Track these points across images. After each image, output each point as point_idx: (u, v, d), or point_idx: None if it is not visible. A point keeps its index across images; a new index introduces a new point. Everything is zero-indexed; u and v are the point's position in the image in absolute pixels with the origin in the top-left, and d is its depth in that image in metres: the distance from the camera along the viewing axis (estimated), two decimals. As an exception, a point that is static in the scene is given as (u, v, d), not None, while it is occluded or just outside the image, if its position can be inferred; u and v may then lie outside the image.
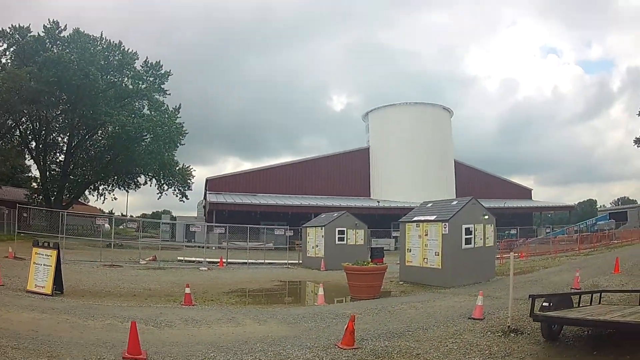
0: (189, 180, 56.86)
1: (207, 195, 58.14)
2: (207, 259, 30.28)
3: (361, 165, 66.05)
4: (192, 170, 57.31)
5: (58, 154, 54.48)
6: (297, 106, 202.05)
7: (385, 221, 52.32)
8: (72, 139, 52.07)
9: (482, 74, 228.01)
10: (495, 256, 20.70)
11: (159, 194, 56.65)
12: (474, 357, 8.48)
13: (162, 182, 55.77)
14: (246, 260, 31.36)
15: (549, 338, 9.12)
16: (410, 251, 20.46)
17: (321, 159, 66.23)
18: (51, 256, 14.44)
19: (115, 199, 60.26)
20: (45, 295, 14.02)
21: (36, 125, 51.28)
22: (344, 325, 9.78)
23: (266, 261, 32.13)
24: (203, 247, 32.88)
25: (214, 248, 37.32)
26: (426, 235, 19.65)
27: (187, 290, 14.68)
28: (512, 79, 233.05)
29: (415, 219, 20.65)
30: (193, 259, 30.96)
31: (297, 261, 32.70)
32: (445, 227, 18.71)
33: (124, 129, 46.78)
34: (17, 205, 32.03)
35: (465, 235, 18.96)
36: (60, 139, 53.92)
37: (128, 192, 59.68)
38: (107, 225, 57.20)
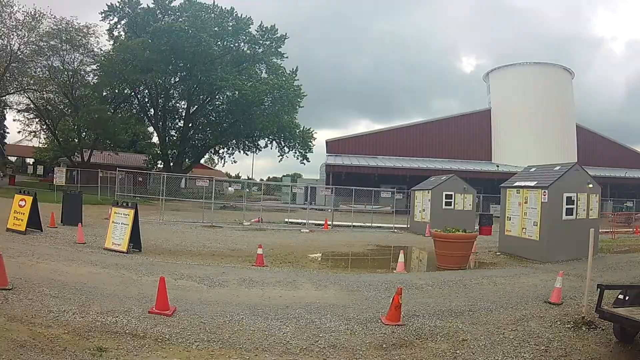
0: (309, 143, 57.47)
1: (327, 157, 57.82)
2: (314, 222, 29.91)
3: (482, 127, 62.61)
4: (313, 132, 57.89)
5: (177, 120, 56.65)
6: (427, 67, 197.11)
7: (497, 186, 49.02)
8: (190, 105, 53.94)
9: (608, 35, 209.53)
10: (599, 230, 18.38)
11: (280, 157, 58.07)
12: (526, 352, 7.33)
13: (283, 144, 56.75)
14: (351, 224, 30.55)
15: (621, 339, 7.70)
16: (509, 220, 18.85)
17: (441, 121, 63.64)
18: (128, 215, 14.64)
19: (234, 162, 62.34)
20: (121, 252, 14.23)
21: (154, 93, 53.15)
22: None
23: (373, 225, 31.16)
24: (306, 209, 32.36)
25: (329, 210, 36.70)
26: (526, 202, 17.95)
27: (260, 251, 14.38)
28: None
29: (516, 184, 18.93)
30: (299, 220, 30.66)
31: (405, 225, 31.51)
32: (544, 195, 16.92)
33: (242, 93, 47.43)
34: (134, 170, 33.32)
35: (567, 204, 17.04)
36: (179, 105, 56.20)
37: (247, 155, 61.19)
38: (230, 189, 59.46)
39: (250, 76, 50.31)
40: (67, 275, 10.48)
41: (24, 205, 16.23)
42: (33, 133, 52.62)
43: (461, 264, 15.70)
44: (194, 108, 54.49)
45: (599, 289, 7.57)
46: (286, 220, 31.67)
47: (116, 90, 49.10)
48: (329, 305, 9.61)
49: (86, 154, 52.01)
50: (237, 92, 48.71)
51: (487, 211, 39.84)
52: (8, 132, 63.80)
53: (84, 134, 50.98)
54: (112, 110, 50.31)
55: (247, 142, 58.81)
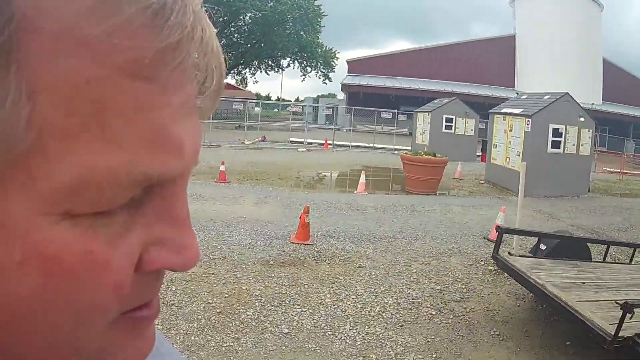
0: (332, 63, 57.40)
1: (345, 77, 56.14)
2: (318, 141, 29.38)
3: (506, 54, 59.29)
4: (335, 52, 57.75)
5: None
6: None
7: None
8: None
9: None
10: (590, 168, 16.98)
11: (302, 77, 58.65)
12: (418, 289, 6.56)
13: (305, 64, 56.67)
14: (349, 144, 29.92)
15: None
16: (495, 147, 17.62)
17: (465, 44, 60.43)
18: None
19: (256, 82, 61.81)
20: None
21: None
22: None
23: (376, 145, 30.29)
24: (304, 129, 31.62)
25: (344, 130, 35.90)
26: (510, 130, 16.63)
27: (222, 168, 14.20)
28: None
29: (503, 110, 17.55)
30: (302, 140, 29.77)
31: (408, 147, 30.29)
32: (528, 124, 15.57)
33: (263, 14, 47.50)
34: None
35: (553, 136, 15.66)
36: None
37: (268, 75, 61.09)
38: (257, 109, 58.89)
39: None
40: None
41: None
42: None
43: (429, 189, 14.82)
44: (217, 30, 53.50)
45: (497, 232, 6.22)
46: (290, 139, 30.85)
47: None
48: (254, 219, 9.32)
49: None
50: (258, 13, 48.50)
51: (483, 136, 38.38)
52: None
53: None
54: None
55: (270, 62, 58.57)
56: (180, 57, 0.32)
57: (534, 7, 59.64)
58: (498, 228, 6.41)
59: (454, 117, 26.26)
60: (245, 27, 54.19)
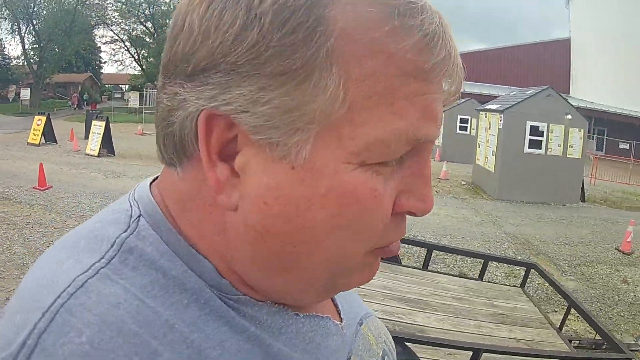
0: None
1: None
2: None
3: (561, 58, 55.12)
4: None
5: None
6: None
7: None
8: None
9: None
10: (582, 173, 14.75)
11: None
12: None
13: None
14: None
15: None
16: (479, 147, 15.79)
17: (518, 48, 56.60)
18: (101, 126, 16.23)
19: None
20: (93, 156, 15.92)
21: None
22: None
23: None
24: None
25: None
26: (489, 128, 14.73)
27: None
28: None
29: (486, 107, 15.65)
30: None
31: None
32: (500, 120, 13.66)
33: None
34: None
35: (531, 135, 13.74)
36: None
37: None
38: None
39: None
40: (25, 168, 12.31)
41: (40, 124, 18.07)
42: (118, 62, 54.47)
43: None
44: None
45: None
46: None
47: None
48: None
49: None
50: None
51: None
52: (104, 62, 64.40)
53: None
54: None
55: None
56: (445, 69, 0.47)
57: (590, 8, 54.82)
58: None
59: (469, 117, 24.11)
60: None
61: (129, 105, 37.81)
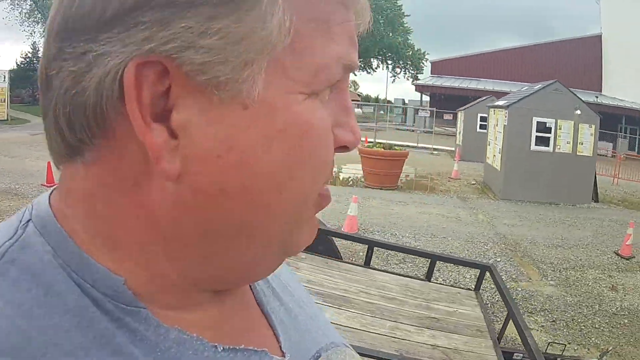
0: (421, 64, 56.55)
1: (429, 78, 53.31)
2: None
3: (592, 55, 52.71)
4: (425, 53, 56.79)
5: None
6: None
7: (607, 121, 42.45)
8: None
9: None
10: (593, 171, 13.87)
11: (392, 77, 58.19)
12: None
13: (394, 65, 56.68)
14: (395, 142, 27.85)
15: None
16: (489, 145, 15.23)
17: (547, 45, 54.67)
18: None
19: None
20: None
21: None
22: None
23: (419, 145, 27.87)
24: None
25: (419, 132, 33.86)
26: (497, 125, 14.16)
27: None
28: None
29: (495, 104, 15.07)
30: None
31: (452, 148, 27.76)
32: (505, 116, 13.05)
33: None
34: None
35: (538, 131, 13.09)
36: None
37: (355, 74, 60.74)
38: (358, 110, 58.30)
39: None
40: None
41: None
42: None
43: (387, 183, 13.41)
44: None
45: None
46: None
47: None
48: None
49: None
50: None
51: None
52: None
53: None
54: None
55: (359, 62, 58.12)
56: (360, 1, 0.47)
57: (621, 3, 52.59)
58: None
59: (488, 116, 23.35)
60: None
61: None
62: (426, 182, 15.05)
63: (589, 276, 7.55)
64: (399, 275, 5.35)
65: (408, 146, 26.68)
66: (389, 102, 62.27)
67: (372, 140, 27.30)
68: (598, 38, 53.70)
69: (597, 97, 45.77)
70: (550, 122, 13.07)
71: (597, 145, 13.68)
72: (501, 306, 5.79)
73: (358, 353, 2.31)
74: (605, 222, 11.57)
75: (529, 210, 12.11)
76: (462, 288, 5.35)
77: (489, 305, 5.89)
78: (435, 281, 5.53)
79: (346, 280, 4.60)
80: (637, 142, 40.43)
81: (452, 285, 5.63)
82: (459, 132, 25.49)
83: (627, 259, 8.63)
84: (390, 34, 52.03)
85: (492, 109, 14.87)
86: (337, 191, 11.63)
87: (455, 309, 4.43)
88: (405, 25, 54.12)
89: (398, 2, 51.59)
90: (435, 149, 27.02)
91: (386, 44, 52.36)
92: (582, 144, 13.40)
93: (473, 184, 15.57)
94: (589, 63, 52.49)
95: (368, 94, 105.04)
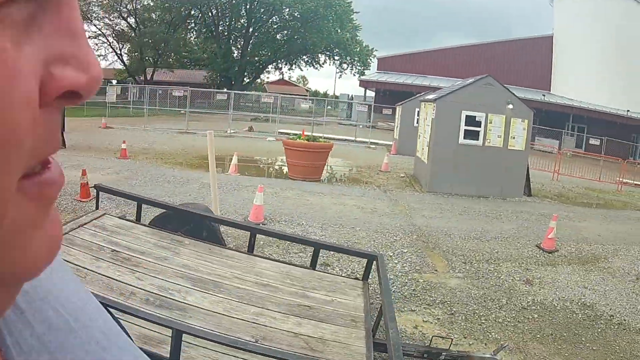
0: (369, 60, 57.30)
1: (374, 74, 53.50)
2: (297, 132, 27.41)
3: (542, 55, 53.56)
4: (373, 50, 57.76)
5: (240, 39, 56.28)
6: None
7: (555, 119, 43.76)
8: (249, 23, 53.56)
9: None
10: (525, 166, 13.98)
11: (339, 73, 59.12)
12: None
13: (341, 61, 57.31)
14: (333, 136, 27.68)
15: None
16: (419, 138, 15.09)
17: (500, 44, 55.18)
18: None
19: (288, 77, 65.19)
20: None
21: (221, 13, 53.40)
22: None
23: (357, 139, 27.92)
24: (273, 121, 30.57)
25: (361, 126, 33.93)
26: (426, 119, 14.01)
27: (124, 146, 14.88)
28: None
29: (426, 97, 14.93)
30: (288, 131, 27.66)
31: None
32: (434, 110, 12.88)
33: (300, 10, 48.70)
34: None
35: (466, 125, 13.02)
36: (239, 25, 55.39)
37: (301, 70, 65.43)
38: (305, 105, 57.92)
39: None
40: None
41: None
42: (102, 57, 54.26)
43: (311, 175, 13.30)
44: (255, 26, 54.05)
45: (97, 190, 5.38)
46: (280, 130, 28.84)
47: (174, 13, 49.86)
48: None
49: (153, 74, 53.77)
50: (287, 9, 49.98)
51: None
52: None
53: (147, 55, 52.45)
54: (173, 30, 51.14)
55: (305, 58, 58.47)
56: None
57: (574, 6, 53.63)
58: (97, 186, 5.32)
59: (427, 110, 23.36)
60: (281, 23, 54.35)
61: (106, 100, 37.92)
62: (353, 175, 14.91)
63: (503, 269, 7.39)
64: (283, 263, 5.24)
65: (346, 140, 26.62)
66: (335, 97, 62.43)
67: (308, 134, 27.13)
68: (549, 39, 54.60)
69: (544, 95, 46.62)
70: (480, 115, 13.03)
71: (529, 140, 13.71)
72: (395, 297, 5.51)
73: (208, 339, 2.68)
74: (534, 215, 11.64)
75: (455, 203, 12.08)
76: (351, 278, 5.23)
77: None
78: (324, 270, 5.41)
79: (224, 267, 4.55)
80: (583, 140, 41.51)
81: (340, 275, 5.43)
82: (397, 127, 25.42)
83: (549, 253, 8.61)
84: (339, 31, 52.30)
85: (423, 103, 14.75)
86: (257, 182, 11.40)
87: (333, 299, 4.34)
88: (355, 21, 54.73)
89: None
90: (372, 143, 26.97)
91: (334, 40, 52.59)
92: (514, 138, 13.41)
93: (402, 176, 15.57)
94: (540, 63, 53.44)
95: (317, 90, 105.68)
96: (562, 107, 45.18)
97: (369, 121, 34.14)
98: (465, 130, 13.02)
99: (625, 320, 6.05)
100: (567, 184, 19.40)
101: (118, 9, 47.53)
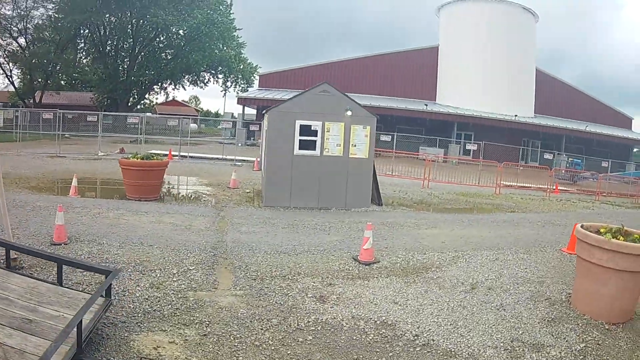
0: (252, 78, 57.90)
1: (255, 91, 53.38)
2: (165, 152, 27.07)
3: (429, 66, 55.37)
4: (257, 67, 58.56)
5: (126, 59, 55.41)
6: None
7: (441, 128, 46.30)
8: (135, 43, 52.90)
9: None
10: (371, 174, 13.94)
11: (223, 91, 59.26)
12: None
13: (225, 79, 57.84)
14: (203, 155, 28.42)
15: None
16: (261, 152, 14.77)
17: (385, 56, 56.28)
18: None
19: (175, 97, 68.04)
20: None
21: (108, 33, 52.56)
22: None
23: (227, 157, 27.83)
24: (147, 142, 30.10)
25: (240, 145, 35.22)
26: (266, 130, 13.77)
27: None
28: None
29: (268, 109, 14.77)
30: (159, 152, 27.09)
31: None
32: (266, 121, 12.67)
33: (177, 28, 49.25)
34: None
35: (301, 135, 12.80)
36: (126, 45, 54.64)
37: (185, 89, 60.75)
38: (193, 125, 56.70)
39: (186, 13, 49.20)
40: None
41: None
42: None
43: (147, 194, 13.00)
44: (141, 46, 53.35)
45: None
46: (152, 152, 27.88)
47: (63, 33, 48.16)
48: None
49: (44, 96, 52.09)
50: (173, 28, 49.83)
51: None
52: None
53: (38, 76, 51.19)
54: (60, 51, 49.44)
55: (189, 76, 58.79)
56: None
57: (459, 16, 55.67)
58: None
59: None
60: (166, 42, 53.98)
61: (-8, 125, 37.42)
62: (197, 193, 14.57)
63: (298, 285, 6.91)
64: (30, 277, 5.33)
65: (215, 158, 26.27)
66: (216, 115, 61.84)
67: (175, 153, 26.57)
68: (435, 49, 56.28)
69: (426, 105, 47.99)
70: (316, 124, 12.89)
71: (373, 147, 13.61)
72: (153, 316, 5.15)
73: None
74: (374, 225, 11.32)
75: (286, 217, 11.76)
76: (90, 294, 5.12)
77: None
78: (71, 287, 5.44)
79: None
80: (463, 147, 43.57)
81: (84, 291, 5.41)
82: (262, 141, 25.26)
83: (366, 265, 8.15)
84: (224, 48, 52.92)
85: (265, 115, 14.49)
86: (90, 203, 11.38)
87: (60, 314, 4.42)
88: (239, 38, 55.05)
89: (231, 15, 52.37)
90: (240, 160, 26.87)
91: (217, 58, 52.95)
92: (355, 146, 13.34)
93: (247, 192, 15.36)
94: (426, 73, 55.13)
95: (208, 109, 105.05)
96: (446, 115, 46.75)
97: (236, 138, 34.83)
98: (300, 140, 12.84)
99: (433, 340, 5.54)
100: (437, 191, 19.78)
101: (9, 29, 46.21)
